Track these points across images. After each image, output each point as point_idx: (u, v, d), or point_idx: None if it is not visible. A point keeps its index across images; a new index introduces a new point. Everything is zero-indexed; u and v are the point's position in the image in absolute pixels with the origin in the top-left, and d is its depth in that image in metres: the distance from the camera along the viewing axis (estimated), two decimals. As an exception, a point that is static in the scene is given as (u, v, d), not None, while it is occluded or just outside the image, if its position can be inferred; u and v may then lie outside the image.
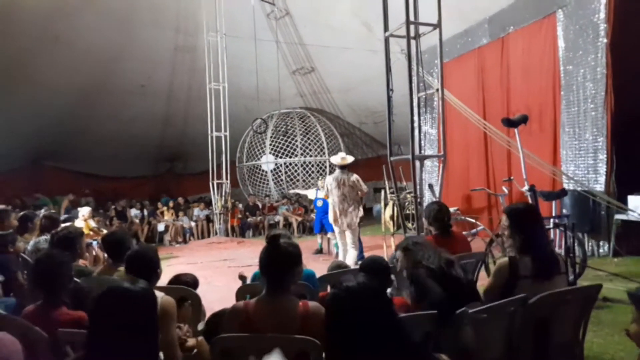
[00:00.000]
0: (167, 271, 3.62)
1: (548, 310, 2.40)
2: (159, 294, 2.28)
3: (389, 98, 5.87)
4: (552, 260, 2.66)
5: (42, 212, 6.23)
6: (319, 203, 9.02)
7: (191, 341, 2.52)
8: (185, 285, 3.29)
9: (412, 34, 5.76)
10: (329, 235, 8.89)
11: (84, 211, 7.96)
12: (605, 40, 6.82)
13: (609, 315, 4.30)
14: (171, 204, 13.36)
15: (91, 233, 7.46)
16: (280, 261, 2.08)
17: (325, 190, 7.44)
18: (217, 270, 7.95)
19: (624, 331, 1.79)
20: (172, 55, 13.27)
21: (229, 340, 1.99)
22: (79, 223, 7.37)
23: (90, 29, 11.21)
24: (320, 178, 10.26)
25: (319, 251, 9.21)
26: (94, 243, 7.17)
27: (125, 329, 1.57)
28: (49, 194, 14.77)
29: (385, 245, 7.64)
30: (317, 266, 6.66)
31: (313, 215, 12.91)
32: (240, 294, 3.07)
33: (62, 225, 5.20)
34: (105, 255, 3.69)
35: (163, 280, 3.26)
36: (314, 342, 1.90)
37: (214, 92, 12.52)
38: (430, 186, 8.12)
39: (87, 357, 1.60)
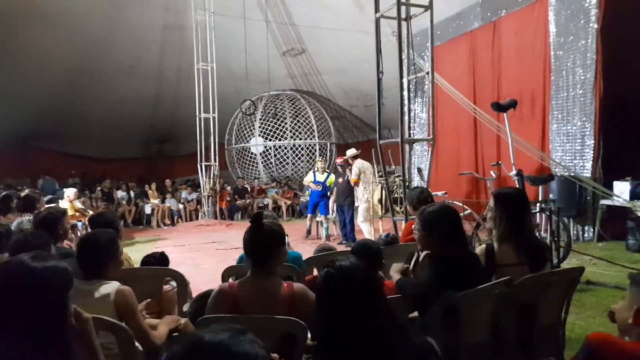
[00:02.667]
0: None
1: (532, 292, 2.42)
2: (113, 285, 2.22)
3: (379, 80, 5.83)
4: (540, 248, 2.62)
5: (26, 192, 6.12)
6: (318, 187, 8.73)
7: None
8: (150, 264, 3.25)
9: (403, 15, 5.70)
10: (319, 218, 8.87)
11: (70, 192, 7.87)
12: (595, 26, 6.81)
13: (592, 298, 4.38)
14: (154, 185, 13.22)
15: (77, 214, 7.38)
16: (264, 240, 2.06)
17: (358, 175, 7.60)
18: (205, 253, 7.94)
19: (607, 312, 1.80)
20: (161, 35, 13.02)
21: (215, 321, 1.98)
22: (64, 204, 7.28)
23: (78, 7, 10.92)
24: (320, 159, 10.09)
25: (309, 232, 9.14)
26: (79, 224, 7.10)
27: (22, 313, 1.35)
28: (37, 175, 14.61)
29: (373, 229, 7.66)
30: (305, 248, 6.70)
31: (302, 199, 12.89)
32: (226, 275, 3.06)
33: (46, 206, 5.13)
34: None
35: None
36: (299, 324, 1.90)
37: (203, 73, 12.32)
38: (419, 170, 8.14)
39: None
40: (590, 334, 1.60)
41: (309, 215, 9.21)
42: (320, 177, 8.86)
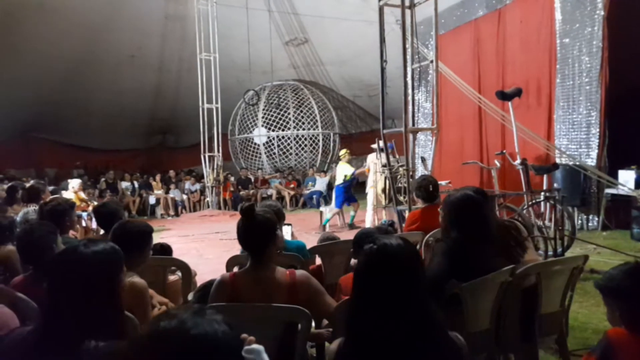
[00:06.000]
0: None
1: (535, 280, 2.42)
2: (128, 276, 2.25)
3: (383, 69, 5.78)
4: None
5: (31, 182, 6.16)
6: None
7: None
8: (154, 254, 3.27)
9: (407, 3, 5.65)
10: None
11: (74, 183, 7.90)
12: (602, 13, 6.72)
13: (595, 286, 4.36)
14: (158, 177, 13.25)
15: (82, 205, 7.42)
16: (257, 232, 2.05)
17: (368, 166, 7.86)
18: (209, 243, 7.96)
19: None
20: (162, 25, 12.94)
21: (218, 310, 1.98)
22: (68, 195, 7.32)
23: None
24: (346, 150, 9.90)
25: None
26: (84, 215, 7.14)
27: (77, 294, 1.45)
28: (39, 166, 14.65)
29: (377, 218, 7.66)
30: (309, 238, 6.71)
31: (305, 191, 12.85)
32: (230, 264, 3.07)
33: (51, 196, 5.15)
34: (95, 226, 3.67)
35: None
36: (302, 311, 1.90)
37: (205, 63, 12.27)
38: (423, 159, 8.10)
39: (44, 325, 1.45)
40: (609, 329, 1.65)
41: (337, 210, 8.67)
42: (351, 169, 8.60)
